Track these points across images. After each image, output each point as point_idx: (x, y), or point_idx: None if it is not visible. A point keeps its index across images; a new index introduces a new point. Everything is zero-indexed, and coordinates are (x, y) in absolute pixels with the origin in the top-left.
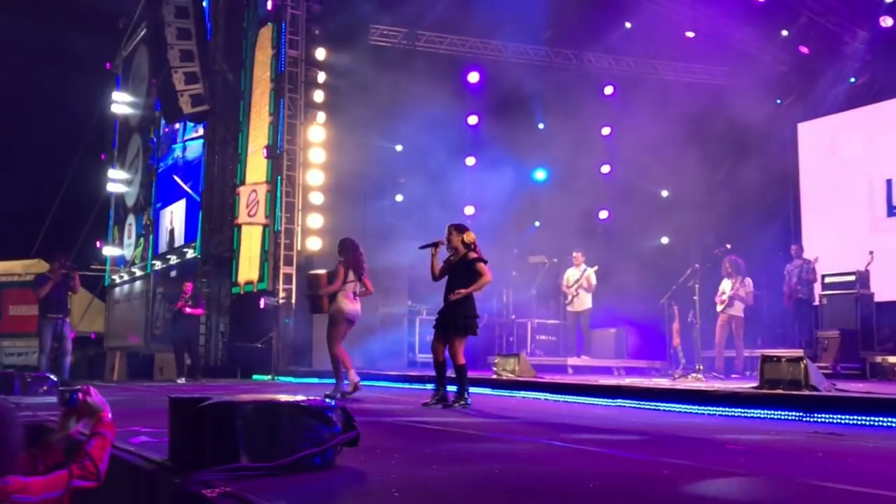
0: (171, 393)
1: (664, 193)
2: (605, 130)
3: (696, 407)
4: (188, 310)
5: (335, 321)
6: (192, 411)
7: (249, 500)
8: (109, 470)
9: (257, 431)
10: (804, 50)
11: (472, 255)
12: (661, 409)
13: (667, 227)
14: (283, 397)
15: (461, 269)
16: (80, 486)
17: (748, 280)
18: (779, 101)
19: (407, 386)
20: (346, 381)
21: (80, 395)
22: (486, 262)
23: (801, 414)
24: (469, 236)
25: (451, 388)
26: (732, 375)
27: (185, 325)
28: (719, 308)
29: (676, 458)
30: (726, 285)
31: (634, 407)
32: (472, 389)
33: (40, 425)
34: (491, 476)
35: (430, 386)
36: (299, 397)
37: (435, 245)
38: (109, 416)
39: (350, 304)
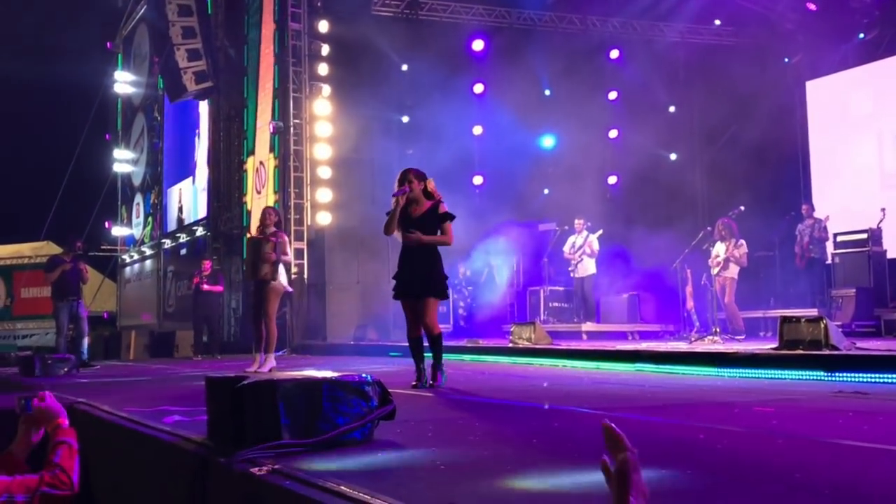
0: (191, 370)
1: (672, 156)
2: (612, 95)
3: (716, 370)
4: (206, 286)
5: (276, 294)
6: (232, 391)
7: (299, 477)
8: (150, 449)
9: (298, 409)
10: (811, 7)
11: (444, 207)
12: (680, 372)
13: (676, 190)
14: (321, 373)
15: (427, 223)
16: (52, 494)
17: (742, 241)
18: (786, 60)
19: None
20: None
21: (36, 401)
22: (454, 217)
23: (822, 374)
24: (432, 184)
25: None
26: (737, 337)
27: (205, 302)
28: (714, 271)
29: (707, 421)
30: (720, 248)
31: (654, 372)
32: (490, 358)
33: (70, 406)
34: (529, 446)
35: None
36: (334, 373)
37: (403, 194)
38: (67, 421)
39: (286, 279)
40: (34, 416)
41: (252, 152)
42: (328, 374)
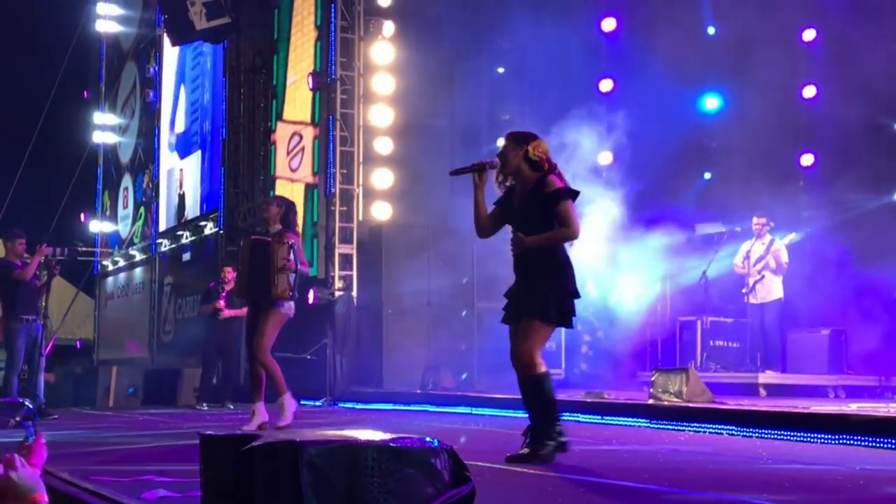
0: (192, 425)
1: None
2: (809, 34)
3: None
4: (227, 311)
5: (280, 321)
6: (236, 455)
7: None
8: None
9: (330, 485)
10: None
11: (554, 181)
12: None
13: None
14: (365, 434)
15: (532, 209)
16: None
17: None
18: None
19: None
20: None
21: (2, 468)
22: (576, 194)
23: None
24: (541, 147)
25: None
26: None
27: (225, 330)
28: None
29: None
30: None
31: (867, 446)
32: (620, 420)
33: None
34: None
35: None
36: (385, 435)
37: (479, 168)
38: (46, 498)
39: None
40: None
41: (282, 117)
42: (377, 435)
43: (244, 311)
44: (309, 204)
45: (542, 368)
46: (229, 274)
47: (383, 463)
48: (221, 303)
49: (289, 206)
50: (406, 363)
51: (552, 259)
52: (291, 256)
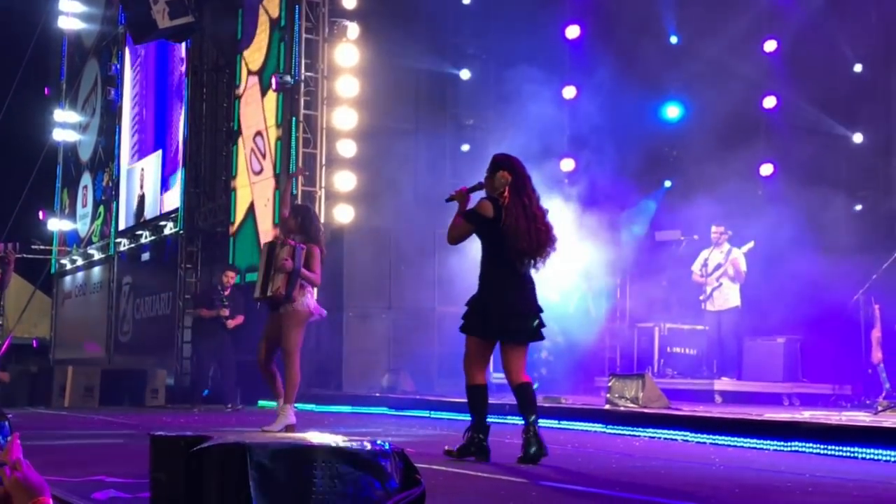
0: (148, 426)
1: (857, 138)
2: (770, 45)
3: None
4: (232, 322)
5: (299, 321)
6: (184, 456)
7: None
8: None
9: (279, 486)
10: None
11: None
12: (860, 455)
13: (863, 186)
14: (315, 437)
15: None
16: None
17: None
18: None
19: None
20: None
21: (7, 470)
22: (472, 215)
23: None
24: (502, 178)
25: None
26: None
27: (218, 332)
28: None
29: None
30: None
31: (819, 453)
32: (577, 425)
33: None
34: None
35: (515, 419)
36: (337, 437)
37: (469, 192)
38: (50, 501)
39: (314, 301)
40: (4, 492)
41: (245, 118)
42: (329, 438)
43: (240, 319)
44: (274, 205)
45: (471, 378)
46: (230, 275)
47: (333, 465)
48: (226, 311)
49: (304, 213)
50: (366, 366)
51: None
52: (292, 258)
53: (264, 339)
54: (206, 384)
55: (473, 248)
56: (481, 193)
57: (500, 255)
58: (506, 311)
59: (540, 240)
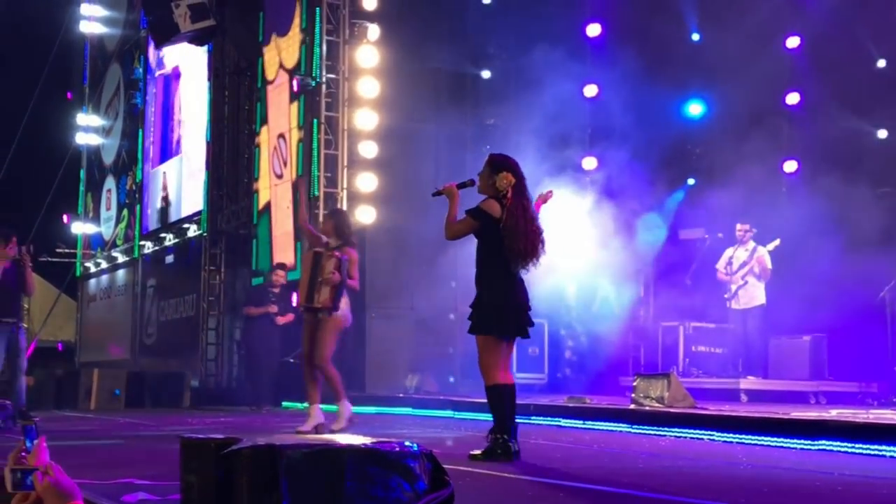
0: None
1: (881, 134)
2: (793, 41)
3: None
4: (282, 318)
5: (335, 329)
6: (216, 459)
7: None
8: None
9: (309, 488)
10: None
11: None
12: (888, 453)
13: (888, 182)
14: (345, 438)
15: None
16: None
17: None
18: None
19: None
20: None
21: (39, 475)
22: (477, 212)
23: None
24: (505, 179)
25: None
26: None
27: (267, 331)
28: None
29: None
30: None
31: (846, 451)
32: (602, 425)
33: None
34: None
35: (539, 419)
36: (365, 439)
37: (459, 188)
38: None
39: (349, 310)
40: (37, 496)
41: (267, 120)
42: (358, 440)
43: (291, 317)
44: (295, 207)
45: (490, 378)
46: (279, 273)
47: (363, 467)
48: (274, 308)
49: (339, 216)
50: (389, 367)
51: (482, 274)
52: (339, 270)
53: (307, 343)
54: (243, 385)
55: None
56: (471, 190)
57: (499, 254)
58: (519, 308)
59: (535, 242)
